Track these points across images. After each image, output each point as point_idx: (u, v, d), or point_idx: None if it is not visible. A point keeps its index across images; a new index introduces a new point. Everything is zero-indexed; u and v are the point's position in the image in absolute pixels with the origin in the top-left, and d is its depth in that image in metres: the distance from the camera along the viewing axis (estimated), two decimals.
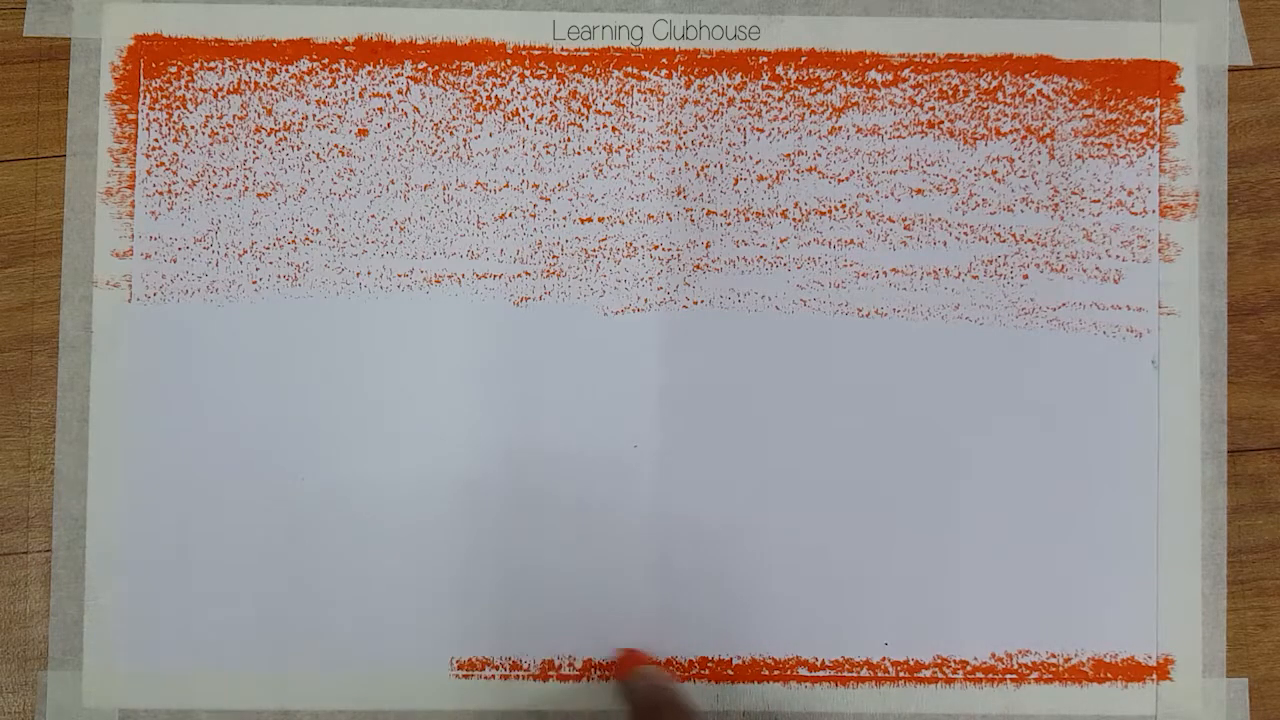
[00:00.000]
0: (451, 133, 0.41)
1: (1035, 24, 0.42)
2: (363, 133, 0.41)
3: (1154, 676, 0.40)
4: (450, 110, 0.41)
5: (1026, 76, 0.41)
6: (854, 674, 0.40)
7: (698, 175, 0.41)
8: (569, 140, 0.41)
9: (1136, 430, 0.41)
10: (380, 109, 0.41)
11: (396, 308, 0.40)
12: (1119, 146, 0.41)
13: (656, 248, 0.41)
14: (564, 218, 0.41)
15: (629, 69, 0.41)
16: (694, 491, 0.40)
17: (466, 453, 0.40)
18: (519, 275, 0.41)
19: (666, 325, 0.41)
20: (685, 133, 0.41)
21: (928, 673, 0.40)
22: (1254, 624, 0.41)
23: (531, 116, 0.41)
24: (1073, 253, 0.41)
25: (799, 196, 0.41)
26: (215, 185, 0.41)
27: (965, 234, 0.41)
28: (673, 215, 0.41)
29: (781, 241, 0.41)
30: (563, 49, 0.41)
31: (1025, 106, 0.41)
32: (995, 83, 0.41)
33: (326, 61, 0.41)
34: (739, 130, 0.41)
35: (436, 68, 0.41)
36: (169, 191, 0.40)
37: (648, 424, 0.40)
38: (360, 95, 0.41)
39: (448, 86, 0.41)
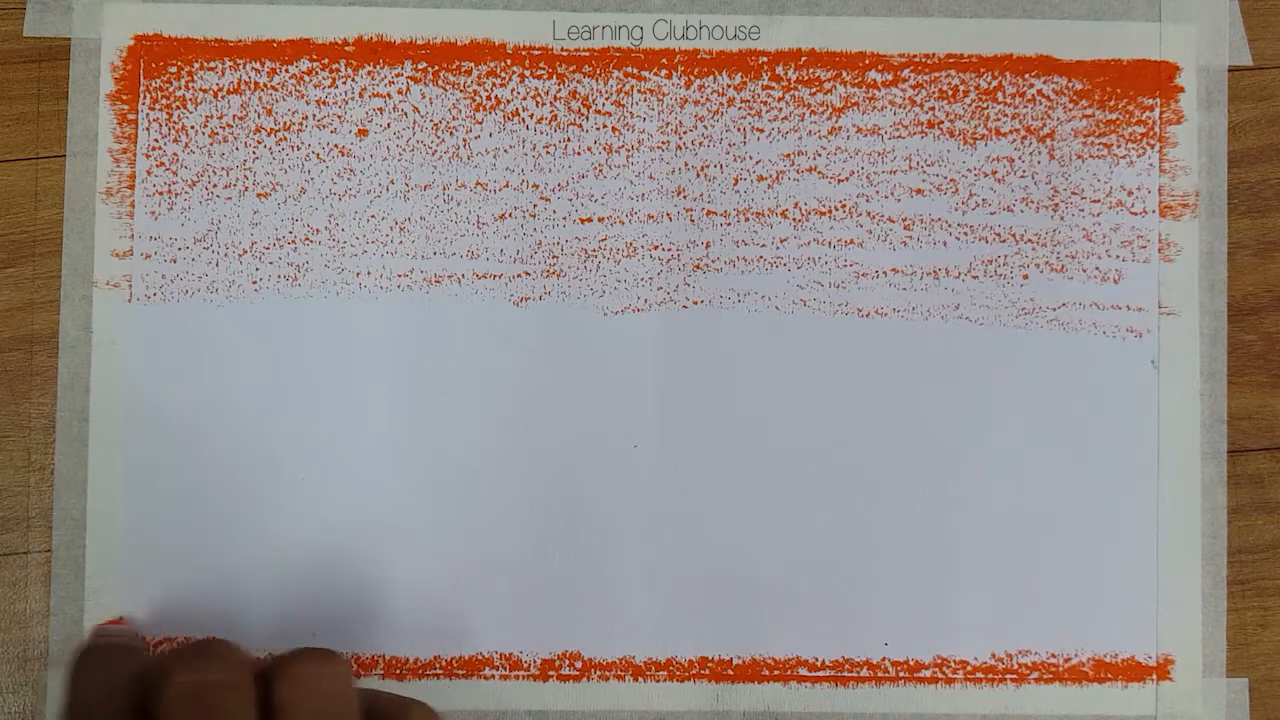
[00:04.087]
0: (451, 133, 0.41)
1: (1035, 24, 0.42)
2: (363, 133, 0.41)
3: (1154, 676, 0.40)
4: (450, 110, 0.41)
5: (1026, 76, 0.41)
6: (854, 674, 0.40)
7: (698, 175, 0.41)
8: (569, 140, 0.41)
9: (1136, 430, 0.41)
10: (380, 109, 0.41)
11: (396, 308, 0.40)
12: (1119, 146, 0.41)
13: (656, 248, 0.41)
14: (564, 218, 0.41)
15: (629, 69, 0.41)
16: (694, 491, 0.40)
17: (465, 452, 0.40)
18: (519, 275, 0.41)
19: (666, 325, 0.41)
20: (685, 133, 0.41)
21: (928, 673, 0.40)
22: (1254, 624, 0.41)
23: (531, 116, 0.41)
24: (1073, 253, 0.41)
25: (799, 196, 0.41)
26: (215, 185, 0.41)
27: (965, 234, 0.41)
28: (673, 215, 0.41)
29: (781, 241, 0.41)
30: (563, 49, 0.41)
31: (1025, 106, 0.41)
32: (995, 83, 0.41)
33: (326, 61, 0.41)
34: (739, 130, 0.41)
35: (436, 68, 0.41)
36: (169, 191, 0.40)
37: (648, 424, 0.40)
38: (360, 95, 0.41)
39: (448, 86, 0.41)
